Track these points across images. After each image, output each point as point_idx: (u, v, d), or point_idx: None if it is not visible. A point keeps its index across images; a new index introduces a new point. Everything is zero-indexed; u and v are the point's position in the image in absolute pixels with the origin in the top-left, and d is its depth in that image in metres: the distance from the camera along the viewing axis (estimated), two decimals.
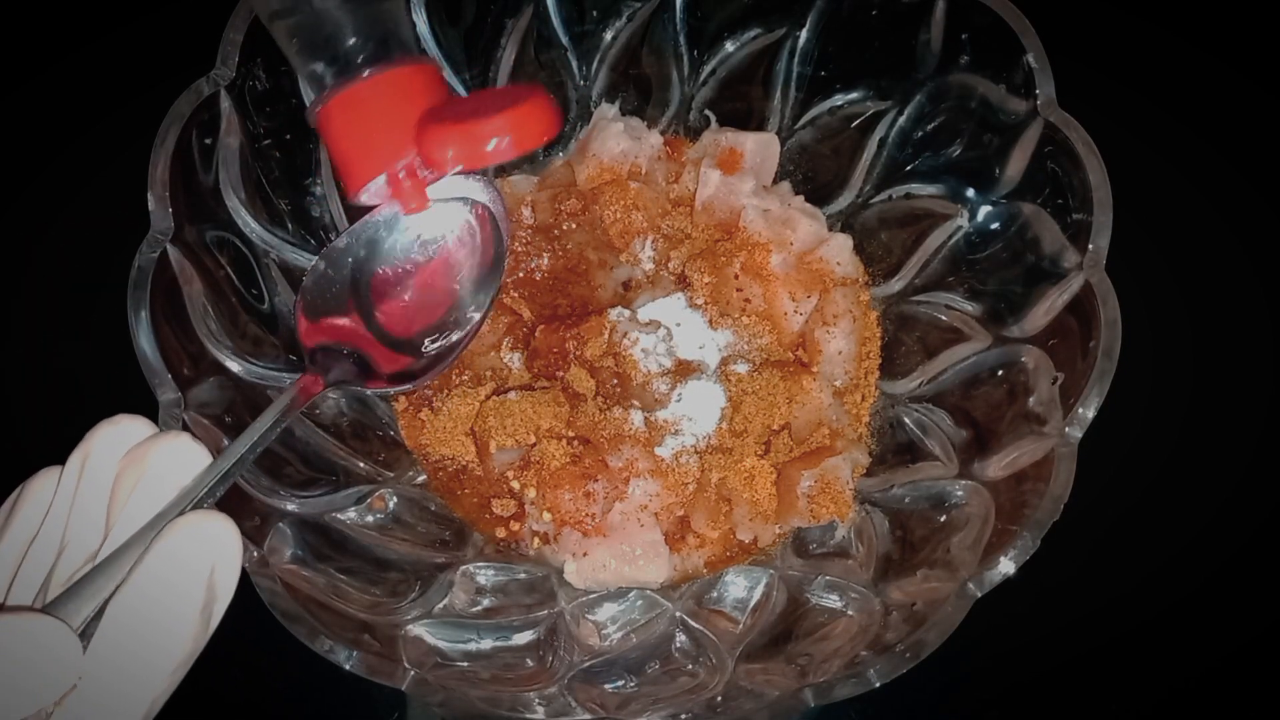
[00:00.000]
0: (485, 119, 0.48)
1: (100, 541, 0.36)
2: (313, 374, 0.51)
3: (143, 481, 0.36)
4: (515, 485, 0.65)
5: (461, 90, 0.70)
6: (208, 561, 0.34)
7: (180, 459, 0.37)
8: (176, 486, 0.37)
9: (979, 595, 0.48)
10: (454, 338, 0.58)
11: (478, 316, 0.58)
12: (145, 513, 0.36)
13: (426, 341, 0.57)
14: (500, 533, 0.65)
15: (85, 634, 0.32)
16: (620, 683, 0.54)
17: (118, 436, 0.37)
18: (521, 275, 0.71)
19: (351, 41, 0.50)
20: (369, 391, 0.63)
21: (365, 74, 0.49)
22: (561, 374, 0.65)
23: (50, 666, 0.31)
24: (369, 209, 0.55)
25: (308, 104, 0.51)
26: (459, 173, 0.55)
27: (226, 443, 0.52)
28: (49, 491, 0.36)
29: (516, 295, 0.70)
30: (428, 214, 0.55)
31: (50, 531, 0.35)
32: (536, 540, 0.64)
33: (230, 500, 0.47)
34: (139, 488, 0.36)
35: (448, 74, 0.68)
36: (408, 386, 0.60)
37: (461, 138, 0.48)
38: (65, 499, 0.36)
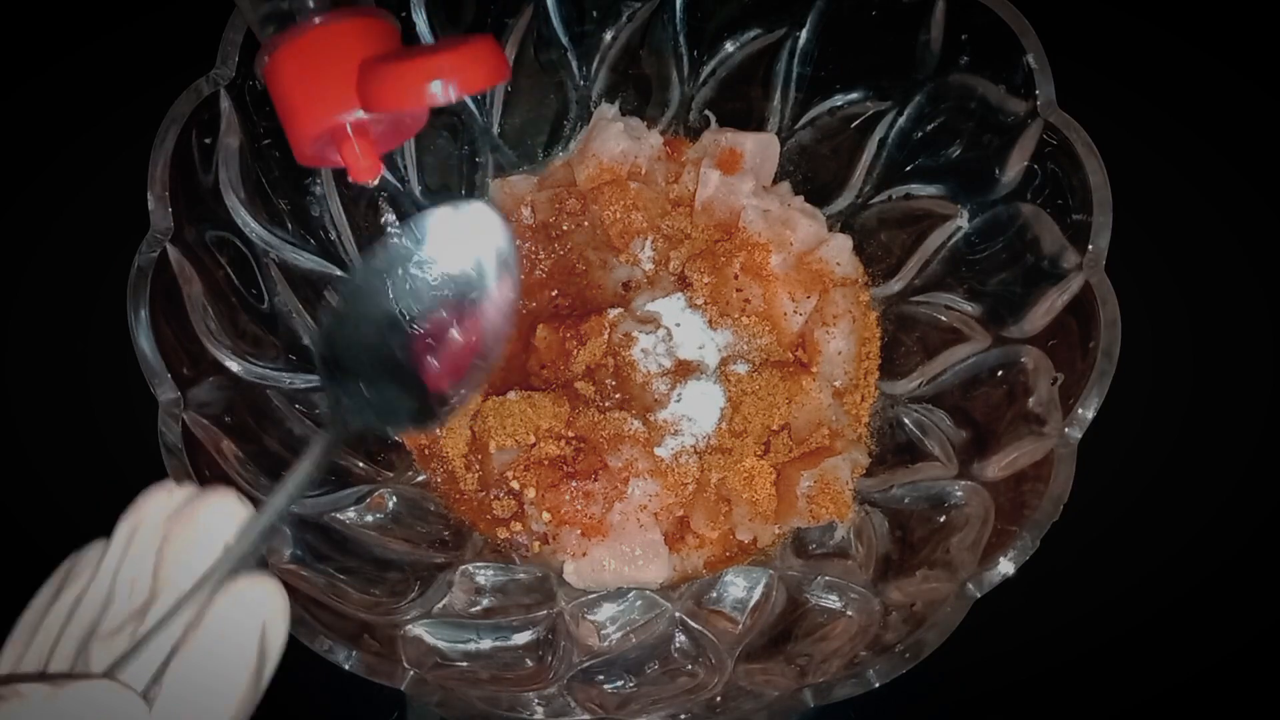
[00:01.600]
0: (427, 58, 0.45)
1: (145, 598, 0.36)
2: (337, 425, 0.46)
3: (190, 542, 0.36)
4: (515, 485, 0.65)
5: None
6: (259, 622, 0.35)
7: (226, 515, 0.37)
8: (221, 542, 0.37)
9: (978, 596, 0.48)
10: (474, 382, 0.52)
11: (496, 354, 0.52)
12: (193, 573, 0.36)
13: (453, 391, 0.51)
14: (502, 534, 0.65)
15: (146, 697, 0.33)
16: (619, 683, 0.54)
17: (163, 502, 0.37)
18: (521, 275, 0.70)
19: None
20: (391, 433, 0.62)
21: (317, 21, 0.47)
22: (557, 385, 0.66)
23: None
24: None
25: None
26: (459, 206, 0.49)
27: (227, 443, 0.52)
28: (94, 560, 0.36)
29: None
30: (443, 255, 0.49)
31: (95, 593, 0.35)
32: (537, 544, 0.64)
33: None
34: (186, 548, 0.36)
35: None
36: (431, 425, 0.55)
37: (401, 77, 0.45)
38: (112, 563, 0.36)
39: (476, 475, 0.66)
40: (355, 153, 0.48)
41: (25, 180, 0.79)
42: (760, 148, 0.72)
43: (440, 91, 0.45)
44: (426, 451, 0.67)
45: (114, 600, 0.35)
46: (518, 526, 0.65)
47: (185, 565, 0.36)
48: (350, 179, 0.50)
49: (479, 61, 0.46)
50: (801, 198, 0.74)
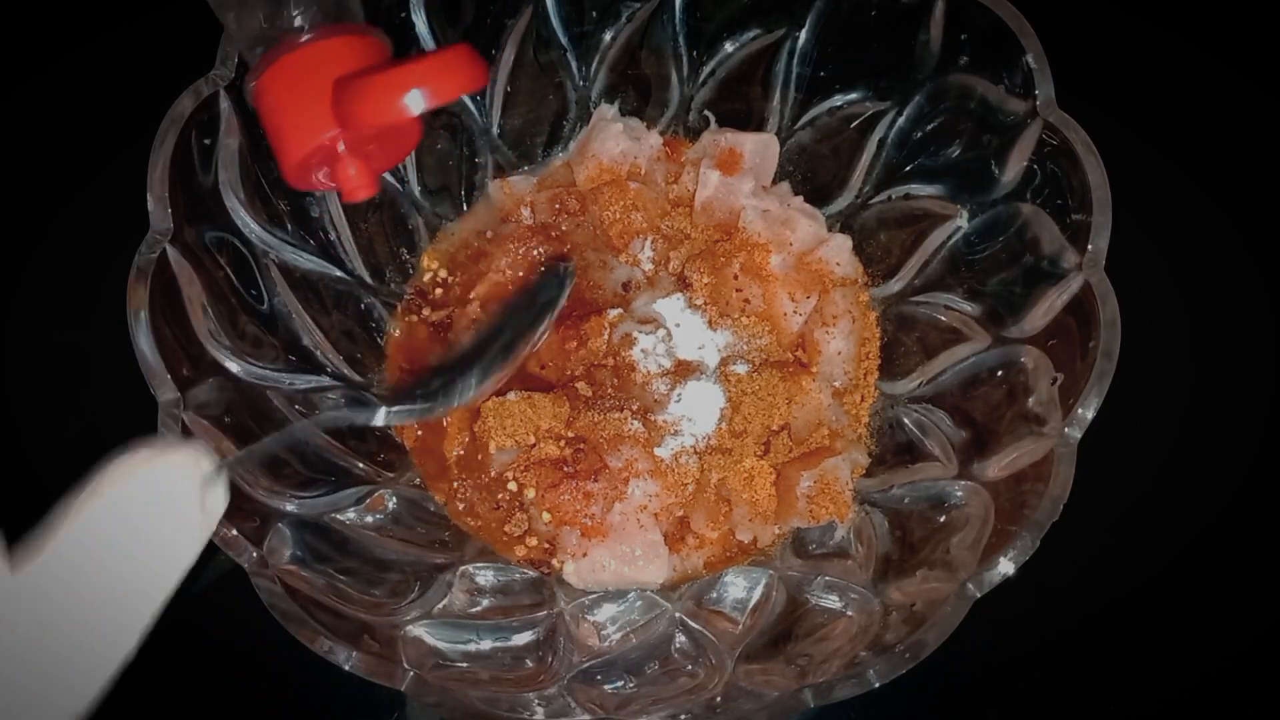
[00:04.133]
0: (403, 68, 0.44)
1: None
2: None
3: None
4: (513, 486, 0.65)
5: None
6: (166, 504, 0.34)
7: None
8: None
9: (978, 596, 0.48)
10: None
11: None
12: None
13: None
14: (520, 551, 0.64)
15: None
16: (619, 683, 0.54)
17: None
18: (521, 275, 0.70)
19: (290, 9, 0.46)
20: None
21: (303, 40, 0.46)
22: (557, 385, 0.66)
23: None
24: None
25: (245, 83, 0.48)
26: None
27: (227, 443, 0.52)
28: None
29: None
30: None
31: None
32: (557, 563, 0.63)
33: (230, 501, 0.48)
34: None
35: None
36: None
37: (374, 90, 0.44)
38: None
39: (470, 484, 0.66)
40: (347, 172, 0.48)
41: (25, 180, 0.79)
42: (760, 148, 0.72)
43: (414, 102, 0.44)
44: (432, 469, 0.67)
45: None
46: (538, 544, 0.64)
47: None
48: (342, 199, 0.50)
49: (452, 69, 0.45)
50: (801, 198, 0.74)
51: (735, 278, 0.68)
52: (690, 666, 0.55)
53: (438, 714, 0.67)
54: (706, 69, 0.73)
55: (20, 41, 0.84)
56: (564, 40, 0.72)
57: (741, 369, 0.66)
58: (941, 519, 0.57)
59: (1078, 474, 0.50)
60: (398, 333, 0.71)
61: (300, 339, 0.62)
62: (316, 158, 0.48)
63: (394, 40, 0.66)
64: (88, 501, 0.33)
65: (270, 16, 0.46)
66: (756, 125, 0.74)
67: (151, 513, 0.34)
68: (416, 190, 0.71)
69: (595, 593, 0.62)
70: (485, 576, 0.62)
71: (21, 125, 0.81)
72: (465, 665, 0.54)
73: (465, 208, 0.75)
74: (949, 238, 0.66)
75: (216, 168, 0.56)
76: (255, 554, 0.48)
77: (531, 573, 0.63)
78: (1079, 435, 0.51)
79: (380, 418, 0.48)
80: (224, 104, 0.56)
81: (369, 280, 0.68)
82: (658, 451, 0.63)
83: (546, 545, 0.64)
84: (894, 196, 0.70)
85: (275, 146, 0.48)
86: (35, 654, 0.31)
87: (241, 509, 0.50)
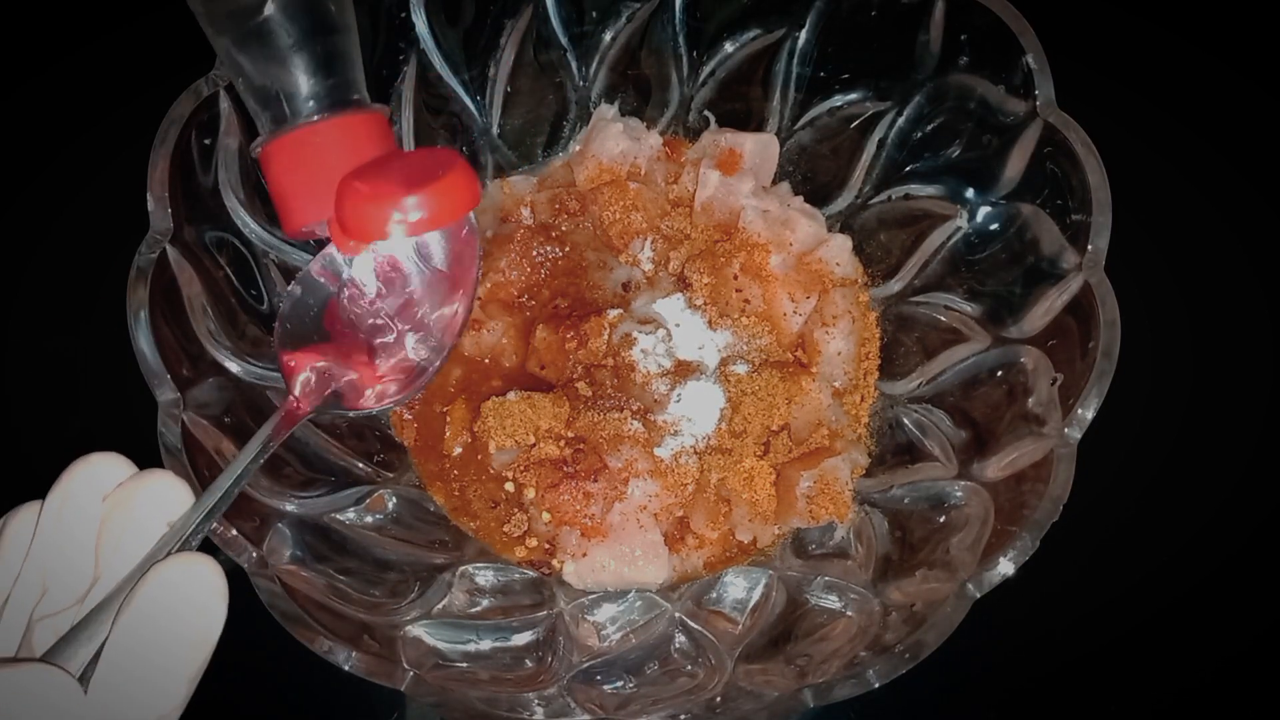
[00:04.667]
0: (402, 196, 0.46)
1: (88, 584, 0.36)
2: (294, 402, 0.50)
3: (130, 523, 0.36)
4: (510, 487, 0.65)
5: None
6: (197, 599, 0.35)
7: (165, 497, 0.38)
8: (163, 525, 0.37)
9: (978, 596, 0.48)
10: (434, 341, 0.55)
11: (460, 311, 0.55)
12: (134, 555, 0.36)
13: (412, 342, 0.55)
14: (520, 552, 0.64)
15: (83, 679, 0.33)
16: (619, 683, 0.54)
17: (95, 475, 0.37)
18: (521, 276, 0.70)
19: (298, 83, 0.48)
20: (351, 414, 0.57)
21: (310, 119, 0.48)
22: (557, 385, 0.66)
23: (53, 716, 0.31)
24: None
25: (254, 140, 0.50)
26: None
27: (226, 443, 0.52)
28: (28, 530, 0.36)
29: (518, 295, 0.70)
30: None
31: (31, 573, 0.35)
32: (558, 563, 0.64)
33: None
34: (126, 530, 0.36)
35: (446, 75, 0.69)
36: (391, 404, 0.55)
37: (376, 214, 0.46)
38: (46, 539, 0.36)
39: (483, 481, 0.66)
40: (340, 236, 0.49)
41: (25, 180, 0.79)
42: (760, 148, 0.72)
43: (403, 229, 0.46)
44: (431, 469, 0.67)
45: (53, 581, 0.35)
46: (534, 542, 0.64)
47: (125, 548, 0.36)
48: (339, 250, 0.52)
49: (452, 196, 0.47)
50: (801, 198, 0.74)
51: (735, 278, 0.68)
52: (690, 667, 0.55)
53: (438, 714, 0.67)
54: (706, 69, 0.73)
55: (20, 41, 0.84)
56: (564, 40, 0.72)
57: (741, 369, 0.66)
58: (941, 519, 0.57)
59: (1078, 474, 0.50)
60: None
61: None
62: (313, 227, 0.51)
63: (394, 40, 0.66)
64: (128, 605, 0.34)
65: (278, 87, 0.48)
66: (756, 125, 0.74)
67: (181, 605, 0.35)
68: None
69: (595, 593, 0.62)
70: (485, 576, 0.62)
71: (21, 125, 0.81)
72: (465, 665, 0.54)
73: None
74: (949, 238, 0.66)
75: (216, 168, 0.56)
76: (255, 554, 0.48)
77: (531, 573, 0.63)
78: (1079, 435, 0.51)
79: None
80: (224, 104, 0.56)
81: None
82: (657, 452, 0.63)
83: (547, 546, 0.64)
84: (894, 197, 0.70)
85: (280, 210, 0.51)
86: None
87: (241, 509, 0.50)
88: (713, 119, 0.75)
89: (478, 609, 0.59)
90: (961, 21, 0.61)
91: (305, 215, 0.50)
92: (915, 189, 0.69)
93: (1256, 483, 0.71)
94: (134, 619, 0.34)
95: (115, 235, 0.54)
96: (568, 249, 0.71)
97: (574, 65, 0.73)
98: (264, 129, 0.50)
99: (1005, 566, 0.48)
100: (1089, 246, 0.54)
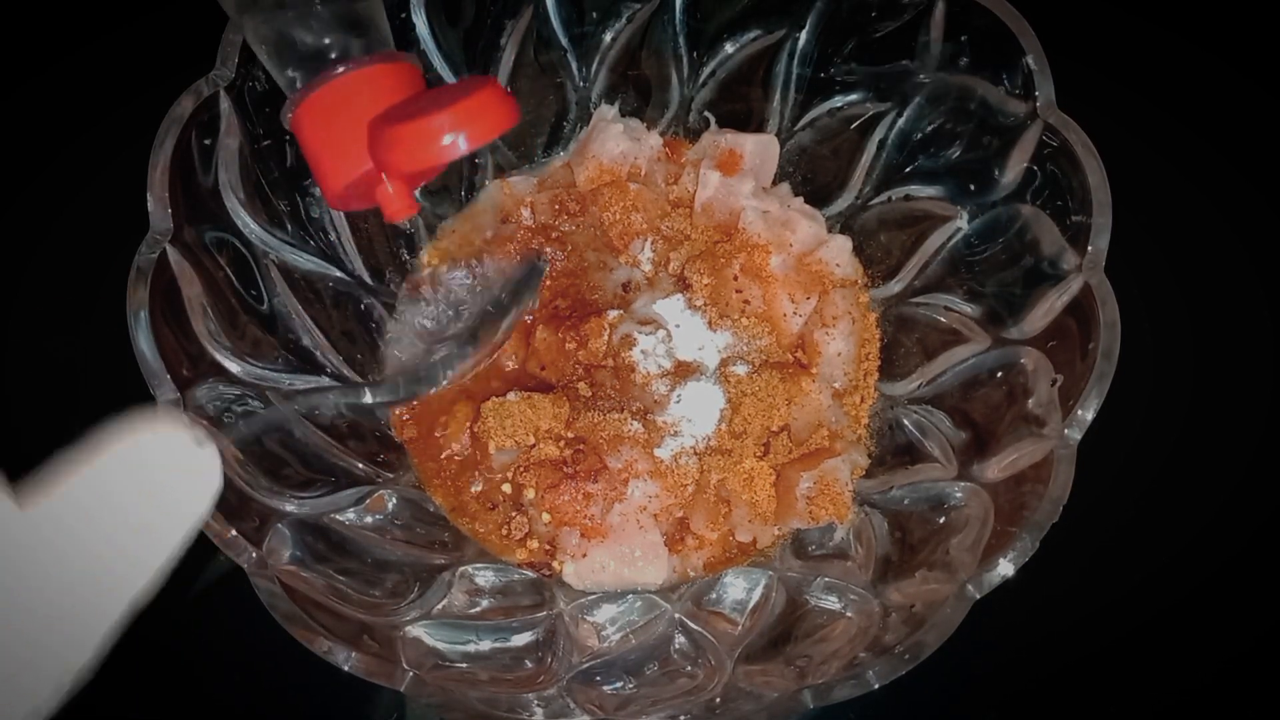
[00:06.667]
0: (436, 115, 0.45)
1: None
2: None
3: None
4: (507, 489, 0.65)
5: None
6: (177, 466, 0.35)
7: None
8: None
9: (978, 597, 0.48)
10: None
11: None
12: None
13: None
14: (521, 555, 0.64)
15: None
16: (619, 684, 0.54)
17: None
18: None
19: (322, 38, 0.47)
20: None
21: (339, 71, 0.47)
22: (557, 385, 0.66)
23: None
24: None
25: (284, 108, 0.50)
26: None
27: (226, 443, 0.52)
28: None
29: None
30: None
31: None
32: (558, 564, 0.64)
33: (230, 502, 0.48)
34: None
35: (446, 75, 0.68)
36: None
37: (413, 137, 0.45)
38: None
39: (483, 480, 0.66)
40: (389, 195, 0.49)
41: (25, 180, 0.79)
42: (760, 149, 0.72)
43: (449, 149, 0.45)
44: (430, 467, 0.67)
45: None
46: (534, 544, 0.64)
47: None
48: (385, 219, 0.51)
49: (485, 111, 0.46)
50: (801, 199, 0.74)
51: (735, 279, 0.68)
52: (690, 667, 0.55)
53: (437, 714, 0.67)
54: (707, 70, 0.73)
55: (20, 41, 0.84)
56: (564, 41, 0.72)
57: (741, 370, 0.66)
58: (941, 520, 0.57)
59: (1077, 475, 0.50)
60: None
61: (300, 339, 0.62)
62: (357, 186, 0.49)
63: (394, 41, 0.66)
64: (98, 452, 0.33)
65: (305, 48, 0.47)
66: (757, 126, 0.74)
67: (162, 468, 0.35)
68: (417, 190, 0.71)
69: (595, 594, 0.62)
70: (485, 577, 0.62)
71: (21, 125, 0.81)
72: (465, 666, 0.54)
73: (465, 208, 0.75)
74: (949, 239, 0.66)
75: (216, 168, 0.56)
76: (255, 554, 0.48)
77: (531, 574, 0.63)
78: (1079, 437, 0.51)
79: (367, 396, 0.51)
80: (224, 104, 0.56)
81: (369, 281, 0.68)
82: (657, 452, 0.63)
83: (547, 547, 0.64)
84: (894, 198, 0.70)
85: (316, 175, 0.50)
86: (35, 599, 0.31)
87: (241, 510, 0.50)
88: (713, 120, 0.75)
89: (477, 609, 0.59)
90: (961, 22, 0.61)
91: (346, 170, 0.48)
92: (915, 190, 0.69)
93: (1257, 484, 0.71)
94: (99, 464, 0.34)
95: (115, 235, 0.53)
96: (568, 249, 0.71)
97: (574, 66, 0.73)
98: (292, 93, 0.49)
99: (1005, 567, 0.48)
100: (1089, 247, 0.54)
